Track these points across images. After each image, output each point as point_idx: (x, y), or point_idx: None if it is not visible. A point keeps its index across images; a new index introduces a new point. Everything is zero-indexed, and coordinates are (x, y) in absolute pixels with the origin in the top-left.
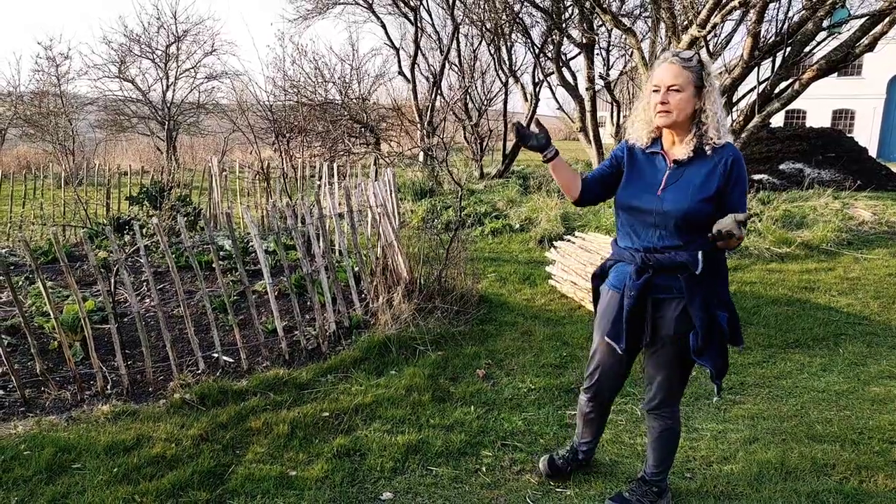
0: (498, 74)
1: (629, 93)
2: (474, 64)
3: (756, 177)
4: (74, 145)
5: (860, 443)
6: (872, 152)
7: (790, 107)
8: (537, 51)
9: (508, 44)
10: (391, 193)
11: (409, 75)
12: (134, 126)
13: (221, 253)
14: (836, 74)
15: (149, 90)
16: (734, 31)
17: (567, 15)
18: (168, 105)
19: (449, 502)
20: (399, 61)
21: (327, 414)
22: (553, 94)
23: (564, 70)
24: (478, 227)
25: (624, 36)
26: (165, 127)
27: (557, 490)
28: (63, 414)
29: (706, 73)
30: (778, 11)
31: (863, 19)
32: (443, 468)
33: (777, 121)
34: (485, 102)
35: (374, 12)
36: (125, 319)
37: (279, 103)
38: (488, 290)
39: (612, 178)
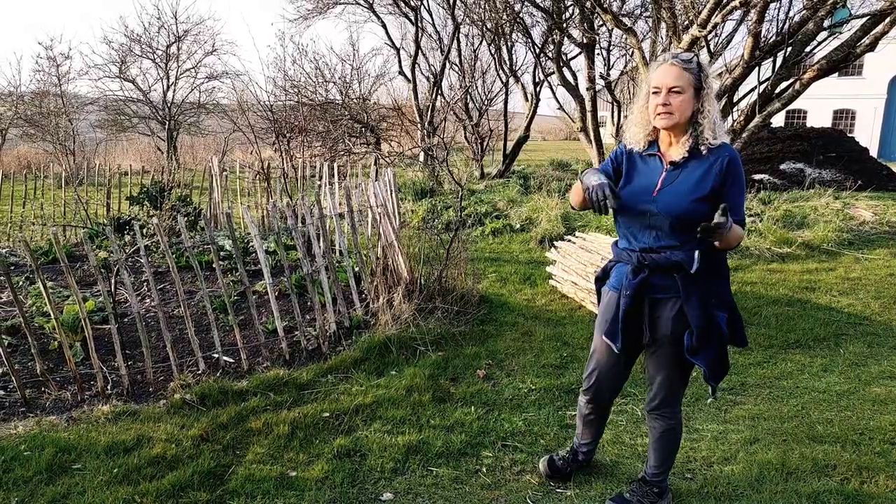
0: (498, 74)
1: (630, 93)
2: (475, 64)
3: (757, 177)
4: (75, 145)
5: (861, 443)
6: (873, 152)
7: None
8: (538, 50)
9: (509, 44)
10: (391, 193)
11: (409, 75)
12: (134, 126)
13: (222, 253)
14: (836, 74)
15: (149, 90)
16: (735, 30)
17: (568, 15)
18: (168, 105)
19: (449, 503)
20: (399, 61)
21: (328, 414)
22: (554, 93)
23: (565, 70)
24: (478, 227)
25: (625, 36)
26: (166, 127)
27: (558, 491)
28: (63, 414)
29: (704, 74)
30: (779, 11)
31: (864, 19)
32: (443, 469)
33: (778, 121)
34: (485, 102)
35: (374, 12)
36: (125, 320)
37: (280, 103)
38: (489, 291)
39: (615, 176)
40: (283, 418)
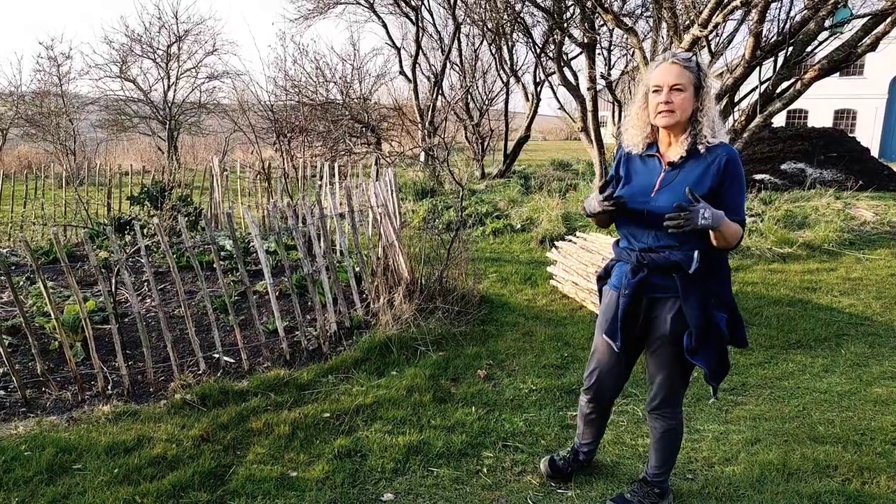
0: (499, 74)
1: (631, 92)
2: (475, 64)
3: (758, 177)
4: (76, 145)
5: (862, 444)
6: (874, 152)
7: (792, 107)
8: (539, 50)
9: (510, 43)
10: (392, 193)
11: (410, 75)
12: (135, 126)
13: (222, 253)
14: (837, 74)
15: (150, 90)
16: (736, 30)
17: (568, 14)
18: (169, 105)
19: (450, 503)
20: (400, 61)
21: (328, 414)
22: (554, 93)
23: (566, 70)
24: (479, 227)
25: (625, 36)
26: (167, 127)
27: (559, 491)
28: (64, 414)
29: (703, 73)
30: (780, 11)
31: (865, 19)
32: (444, 469)
33: (779, 121)
34: (486, 102)
35: (375, 12)
36: (126, 320)
37: (280, 103)
38: (489, 291)
39: (618, 184)
40: (283, 418)
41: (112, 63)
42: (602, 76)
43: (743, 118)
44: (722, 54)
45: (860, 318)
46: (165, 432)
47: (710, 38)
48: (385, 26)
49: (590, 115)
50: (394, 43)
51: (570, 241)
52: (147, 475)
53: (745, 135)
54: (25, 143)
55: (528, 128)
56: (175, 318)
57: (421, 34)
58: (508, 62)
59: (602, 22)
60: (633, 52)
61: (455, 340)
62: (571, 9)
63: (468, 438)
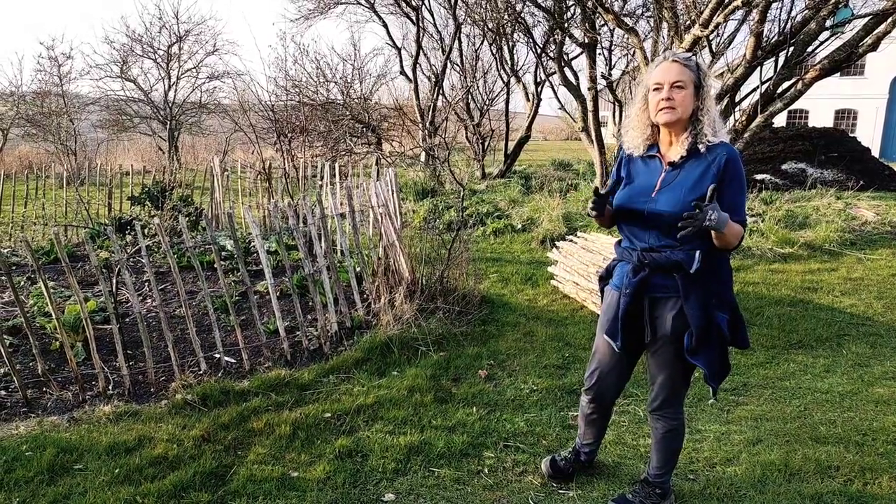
0: (500, 74)
1: (631, 93)
2: (476, 64)
3: (758, 177)
4: (76, 145)
5: (864, 444)
6: (875, 152)
7: (792, 107)
8: (539, 50)
9: (510, 43)
10: (393, 193)
11: (410, 75)
12: (136, 126)
13: (223, 253)
14: (838, 74)
15: (151, 90)
16: (737, 30)
17: (569, 14)
18: (170, 105)
19: (451, 503)
20: (401, 61)
21: (329, 415)
22: (555, 93)
23: (566, 70)
24: (480, 227)
25: (626, 35)
26: (167, 127)
27: (560, 491)
28: (65, 414)
29: (703, 73)
30: (781, 11)
31: (866, 19)
32: (445, 469)
33: (779, 121)
34: (487, 102)
35: (375, 12)
36: (127, 320)
37: (281, 103)
38: (490, 291)
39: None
40: (284, 419)
41: (113, 63)
42: (603, 76)
43: (744, 118)
44: (723, 54)
45: (861, 319)
46: (166, 432)
47: (710, 38)
48: (386, 26)
49: (590, 115)
50: (394, 43)
51: (570, 241)
52: (148, 475)
53: (745, 135)
54: (26, 143)
55: (529, 128)
56: (176, 319)
57: (421, 34)
58: (509, 62)
59: (603, 22)
60: (634, 52)
61: (456, 340)
62: (572, 9)
63: (469, 439)
